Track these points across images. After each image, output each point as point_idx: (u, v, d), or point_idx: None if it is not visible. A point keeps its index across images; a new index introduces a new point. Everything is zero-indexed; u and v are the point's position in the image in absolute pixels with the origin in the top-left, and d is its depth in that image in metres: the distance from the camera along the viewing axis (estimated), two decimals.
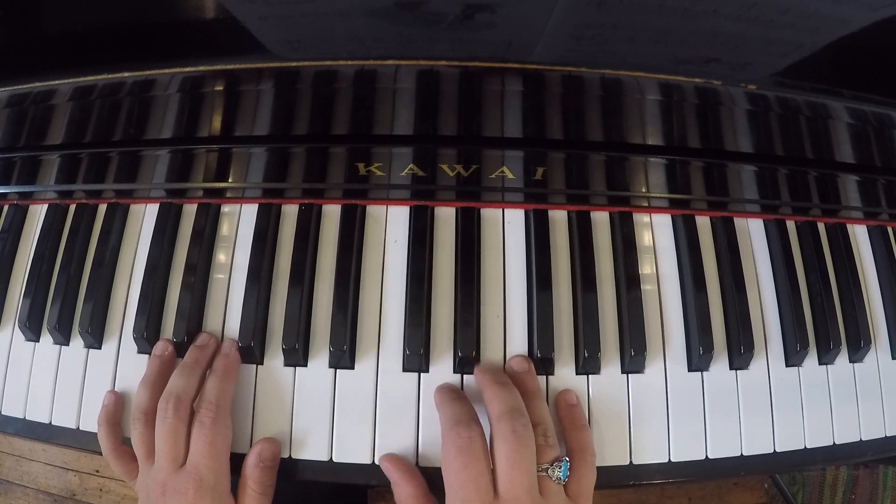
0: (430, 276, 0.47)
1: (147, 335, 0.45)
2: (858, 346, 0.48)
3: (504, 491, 0.37)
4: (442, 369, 0.45)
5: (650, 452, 0.44)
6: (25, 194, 0.52)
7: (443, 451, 0.40)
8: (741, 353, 0.46)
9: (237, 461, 0.42)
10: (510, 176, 0.48)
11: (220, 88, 0.44)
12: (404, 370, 0.45)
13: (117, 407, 0.45)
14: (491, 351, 0.45)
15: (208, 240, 0.48)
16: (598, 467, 0.42)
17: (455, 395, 0.42)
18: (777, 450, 0.45)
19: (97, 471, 1.07)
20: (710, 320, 0.46)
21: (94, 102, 0.46)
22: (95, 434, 0.44)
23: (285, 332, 0.44)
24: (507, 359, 0.45)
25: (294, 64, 0.40)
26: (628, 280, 0.47)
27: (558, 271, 0.47)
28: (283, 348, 0.44)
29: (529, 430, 0.39)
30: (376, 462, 0.43)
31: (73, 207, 0.51)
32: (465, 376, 0.45)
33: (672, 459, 0.44)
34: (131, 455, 0.43)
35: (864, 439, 0.47)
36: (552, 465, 0.39)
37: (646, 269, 0.48)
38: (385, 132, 0.48)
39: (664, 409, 0.45)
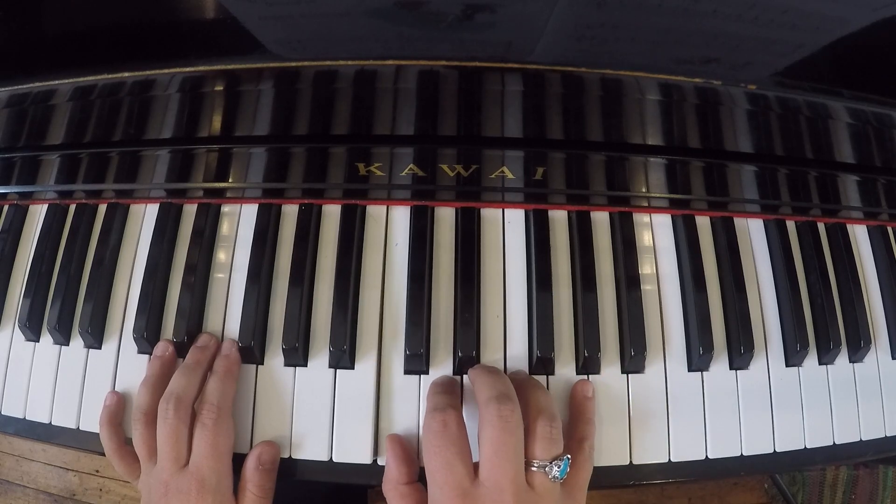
0: (430, 276, 0.47)
1: (147, 335, 0.45)
2: (858, 346, 0.48)
3: (486, 478, 0.36)
4: (442, 369, 0.45)
5: (650, 452, 0.44)
6: (25, 194, 0.52)
7: (422, 439, 0.39)
8: (741, 353, 0.46)
9: (238, 461, 0.42)
10: (510, 176, 0.48)
11: (220, 88, 0.44)
12: (404, 370, 0.45)
13: (119, 407, 0.45)
14: (491, 351, 0.45)
15: (208, 240, 0.48)
16: (598, 467, 0.42)
17: (440, 389, 0.42)
18: (777, 450, 0.45)
19: (97, 471, 1.07)
20: (710, 320, 0.46)
21: (94, 102, 0.46)
22: (96, 434, 0.44)
23: (285, 332, 0.44)
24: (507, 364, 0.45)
25: (294, 64, 0.40)
26: (628, 280, 0.47)
27: (558, 271, 0.47)
28: (283, 348, 0.44)
29: (517, 416, 0.37)
30: (377, 462, 0.43)
31: (73, 207, 0.51)
32: (465, 377, 0.44)
33: (672, 459, 0.44)
34: (134, 455, 0.43)
35: (864, 439, 0.47)
36: (552, 462, 0.37)
37: (646, 269, 0.48)
38: (385, 132, 0.48)
39: (664, 408, 0.45)
